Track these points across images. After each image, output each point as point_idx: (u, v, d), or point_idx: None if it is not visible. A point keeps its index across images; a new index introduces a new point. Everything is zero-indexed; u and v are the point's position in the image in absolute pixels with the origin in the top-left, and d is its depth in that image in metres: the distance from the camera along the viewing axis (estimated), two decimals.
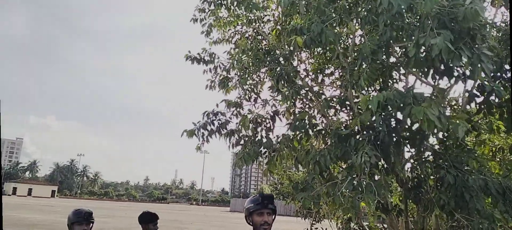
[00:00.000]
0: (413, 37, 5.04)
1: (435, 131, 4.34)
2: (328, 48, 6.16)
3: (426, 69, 4.77)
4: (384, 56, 5.59)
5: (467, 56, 4.01)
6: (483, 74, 4.28)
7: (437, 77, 4.92)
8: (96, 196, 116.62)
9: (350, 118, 6.52)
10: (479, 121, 5.76)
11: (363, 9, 5.57)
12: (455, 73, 4.75)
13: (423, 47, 4.17)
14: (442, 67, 4.66)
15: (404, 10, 4.54)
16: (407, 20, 4.99)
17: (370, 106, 4.26)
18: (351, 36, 6.79)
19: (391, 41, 5.03)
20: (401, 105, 4.34)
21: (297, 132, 5.99)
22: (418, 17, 5.18)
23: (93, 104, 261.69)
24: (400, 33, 5.05)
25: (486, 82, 4.70)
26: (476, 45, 4.10)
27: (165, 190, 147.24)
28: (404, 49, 5.85)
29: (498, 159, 6.47)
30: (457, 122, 4.27)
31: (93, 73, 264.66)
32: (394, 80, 6.21)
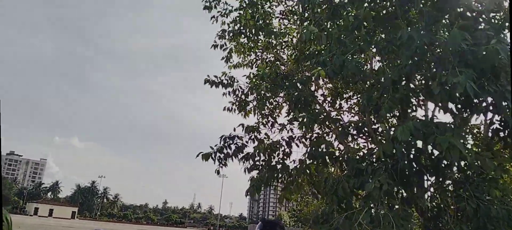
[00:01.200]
0: (433, 69, 5.02)
1: (458, 160, 4.26)
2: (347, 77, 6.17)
3: (448, 102, 4.73)
4: (407, 86, 5.57)
5: (490, 93, 3.97)
6: (508, 111, 4.21)
7: (459, 109, 4.86)
8: (115, 218, 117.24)
9: (369, 144, 6.45)
10: (502, 150, 5.62)
11: (383, 40, 5.57)
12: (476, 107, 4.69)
13: (446, 85, 4.14)
14: (460, 104, 4.63)
15: (427, 44, 4.52)
16: (429, 53, 4.98)
17: (400, 136, 4.17)
18: (369, 61, 6.80)
19: (415, 73, 5.01)
20: (425, 134, 4.28)
21: (314, 160, 5.95)
22: (438, 50, 5.16)
23: (117, 125, 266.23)
24: (422, 63, 5.03)
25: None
26: (500, 83, 4.05)
27: (183, 214, 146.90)
28: (423, 77, 5.81)
29: None
30: (485, 158, 4.22)
31: (119, 94, 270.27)
32: (414, 107, 6.14)
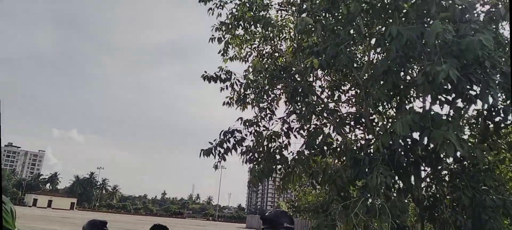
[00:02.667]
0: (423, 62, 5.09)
1: (452, 154, 4.33)
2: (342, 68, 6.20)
3: (435, 93, 4.79)
4: (401, 75, 5.61)
5: (474, 82, 4.06)
6: (491, 100, 4.29)
7: (448, 100, 4.92)
8: (114, 209, 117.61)
9: (366, 135, 6.50)
10: (499, 140, 5.68)
11: (377, 32, 5.61)
12: (468, 96, 4.75)
13: (430, 75, 4.21)
14: (453, 95, 4.70)
15: (416, 38, 4.57)
16: (419, 47, 5.03)
17: (398, 130, 4.22)
18: (367, 54, 6.82)
19: (406, 64, 5.08)
20: (422, 127, 4.34)
21: (312, 150, 6.00)
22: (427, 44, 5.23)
23: (116, 118, 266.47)
24: (413, 55, 5.09)
25: (499, 104, 4.70)
26: (486, 72, 4.11)
27: (181, 204, 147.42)
28: (420, 68, 5.86)
29: None
30: (480, 150, 4.28)
31: (117, 88, 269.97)
32: (411, 98, 6.19)
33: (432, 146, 4.90)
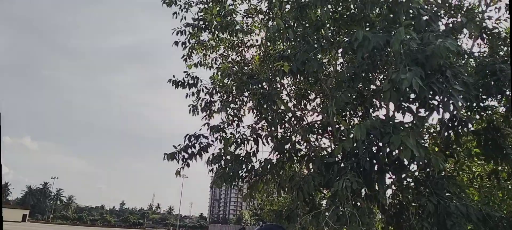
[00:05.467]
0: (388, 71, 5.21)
1: (409, 159, 4.42)
2: (310, 76, 6.23)
3: (400, 101, 4.90)
4: (365, 83, 5.71)
5: (437, 92, 4.17)
6: (452, 108, 4.43)
7: (410, 109, 5.04)
8: (69, 221, 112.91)
9: (333, 143, 6.55)
10: (458, 148, 5.87)
11: (344, 41, 5.71)
12: (431, 105, 4.88)
13: (396, 83, 4.29)
14: (417, 103, 4.82)
15: (382, 46, 4.65)
16: (385, 53, 5.13)
17: (356, 134, 4.28)
18: (333, 63, 6.91)
19: (372, 71, 5.16)
20: (382, 133, 4.41)
21: (280, 157, 5.97)
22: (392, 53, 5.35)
23: (72, 125, 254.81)
24: (379, 63, 5.19)
25: (462, 112, 4.86)
26: (448, 81, 4.24)
27: (141, 215, 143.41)
28: (385, 77, 5.98)
29: (476, 186, 6.57)
30: (436, 156, 4.39)
31: (75, 93, 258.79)
32: (376, 108, 6.30)
33: (395, 153, 4.99)
